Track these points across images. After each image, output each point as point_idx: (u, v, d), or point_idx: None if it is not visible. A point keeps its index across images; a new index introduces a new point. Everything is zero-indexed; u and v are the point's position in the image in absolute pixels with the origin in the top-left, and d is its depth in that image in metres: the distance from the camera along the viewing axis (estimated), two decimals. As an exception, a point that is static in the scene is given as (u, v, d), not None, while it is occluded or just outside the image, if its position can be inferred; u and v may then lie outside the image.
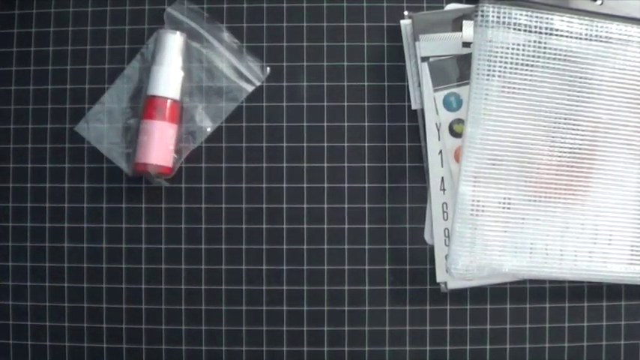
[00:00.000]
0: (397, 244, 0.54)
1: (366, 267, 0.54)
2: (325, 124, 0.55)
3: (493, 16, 0.46)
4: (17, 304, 0.54)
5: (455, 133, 0.53)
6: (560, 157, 0.49)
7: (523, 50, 0.47)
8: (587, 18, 0.47)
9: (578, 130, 0.48)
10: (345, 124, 0.55)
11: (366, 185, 0.54)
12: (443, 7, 0.55)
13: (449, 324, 0.54)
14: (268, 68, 0.55)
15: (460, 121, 0.53)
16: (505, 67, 0.47)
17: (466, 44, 0.52)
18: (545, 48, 0.47)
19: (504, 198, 0.48)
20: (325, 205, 0.54)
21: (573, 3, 0.49)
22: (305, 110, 0.55)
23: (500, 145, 0.48)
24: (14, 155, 0.55)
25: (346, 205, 0.54)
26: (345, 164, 0.54)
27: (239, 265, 0.54)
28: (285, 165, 0.54)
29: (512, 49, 0.47)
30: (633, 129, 0.49)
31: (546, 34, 0.47)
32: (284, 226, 0.54)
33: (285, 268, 0.54)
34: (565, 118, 0.48)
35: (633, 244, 0.50)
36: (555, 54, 0.47)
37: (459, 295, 0.54)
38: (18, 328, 0.54)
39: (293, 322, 0.54)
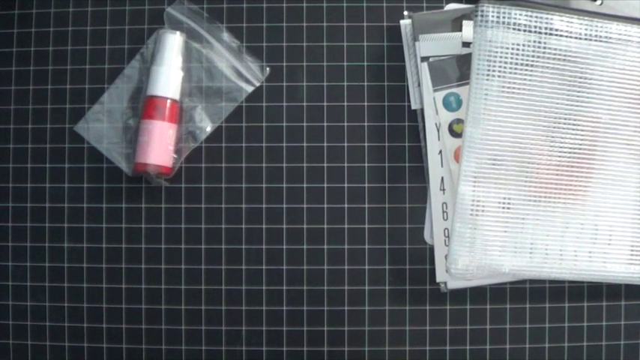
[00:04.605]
0: (397, 244, 0.54)
1: (366, 267, 0.54)
2: (325, 124, 0.55)
3: (493, 16, 0.46)
4: (17, 304, 0.54)
5: (455, 133, 0.53)
6: (560, 157, 0.49)
7: (523, 50, 0.47)
8: (587, 18, 0.47)
9: (578, 130, 0.48)
10: (345, 124, 0.55)
11: (366, 185, 0.54)
12: (443, 7, 0.55)
13: (449, 324, 0.54)
14: (268, 68, 0.55)
15: (460, 121, 0.53)
16: (505, 67, 0.47)
17: (466, 44, 0.52)
18: (545, 48, 0.47)
19: (504, 198, 0.48)
20: (325, 205, 0.54)
21: (573, 3, 0.49)
22: (305, 110, 0.55)
23: (500, 145, 0.48)
24: (14, 155, 0.55)
25: (346, 205, 0.54)
26: (345, 164, 0.54)
27: (239, 265, 0.54)
28: (285, 165, 0.54)
29: (512, 49, 0.47)
30: (633, 129, 0.49)
31: (546, 34, 0.47)
32: (284, 226, 0.54)
33: (285, 268, 0.54)
34: (565, 118, 0.48)
35: (633, 244, 0.50)
36: (555, 54, 0.47)
37: (459, 295, 0.54)
38: (18, 328, 0.54)
39: (293, 322, 0.54)
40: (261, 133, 0.55)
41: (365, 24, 0.55)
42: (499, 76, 0.47)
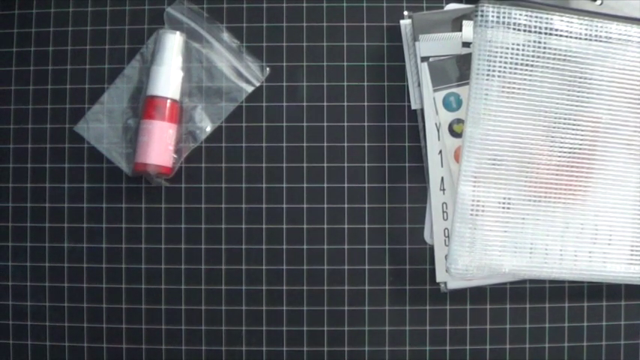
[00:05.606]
0: (397, 244, 0.54)
1: (366, 267, 0.54)
2: (325, 124, 0.55)
3: (493, 16, 0.46)
4: (17, 304, 0.54)
5: (455, 133, 0.53)
6: (560, 157, 0.49)
7: (523, 50, 0.47)
8: (587, 18, 0.47)
9: (578, 130, 0.48)
10: (345, 124, 0.55)
11: (366, 185, 0.54)
12: (443, 7, 0.55)
13: (449, 324, 0.54)
14: (268, 68, 0.55)
15: (460, 121, 0.53)
16: (505, 67, 0.47)
17: (466, 44, 0.52)
18: (545, 48, 0.47)
19: (504, 198, 0.48)
20: (325, 205, 0.54)
21: (573, 3, 0.49)
22: (305, 110, 0.55)
23: (500, 145, 0.48)
24: (14, 155, 0.55)
25: (346, 205, 0.54)
26: (345, 164, 0.54)
27: (239, 265, 0.54)
28: (285, 165, 0.54)
29: (512, 49, 0.47)
30: (633, 129, 0.49)
31: (546, 34, 0.47)
32: (284, 226, 0.54)
33: (285, 268, 0.54)
34: (565, 118, 0.48)
35: (633, 244, 0.50)
36: (555, 54, 0.47)
37: (459, 295, 0.54)
38: (18, 328, 0.54)
39: (293, 322, 0.54)
40: (261, 133, 0.55)
41: (365, 24, 0.55)
42: (499, 76, 0.47)
